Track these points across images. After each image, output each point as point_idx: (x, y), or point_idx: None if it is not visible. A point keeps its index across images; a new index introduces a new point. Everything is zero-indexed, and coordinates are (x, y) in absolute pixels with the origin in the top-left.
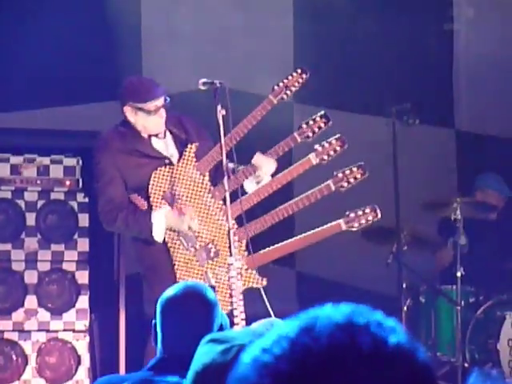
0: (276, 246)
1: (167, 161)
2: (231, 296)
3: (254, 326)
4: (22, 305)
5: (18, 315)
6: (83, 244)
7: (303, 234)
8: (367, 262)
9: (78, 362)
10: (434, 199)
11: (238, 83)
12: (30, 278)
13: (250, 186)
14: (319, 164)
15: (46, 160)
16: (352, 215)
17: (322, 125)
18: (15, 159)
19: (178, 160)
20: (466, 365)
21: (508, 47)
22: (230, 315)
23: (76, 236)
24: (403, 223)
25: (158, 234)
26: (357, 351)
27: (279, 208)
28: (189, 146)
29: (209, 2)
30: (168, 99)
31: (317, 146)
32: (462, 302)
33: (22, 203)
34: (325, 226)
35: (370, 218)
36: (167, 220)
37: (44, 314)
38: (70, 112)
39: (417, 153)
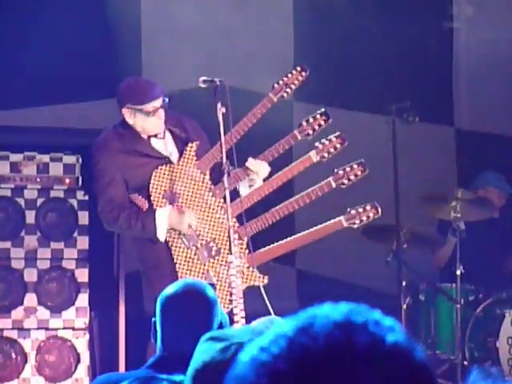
0: (277, 243)
1: (167, 160)
2: (232, 294)
3: (254, 324)
4: (22, 303)
5: (17, 313)
6: (83, 242)
7: (304, 232)
8: (367, 260)
9: (78, 360)
10: (433, 192)
11: (238, 81)
12: (30, 276)
13: (243, 189)
14: (320, 161)
15: (45, 158)
16: (353, 212)
17: (322, 122)
18: (15, 157)
19: (179, 159)
20: (466, 363)
21: (508, 46)
22: (231, 313)
23: (76, 234)
24: (403, 221)
25: (161, 233)
26: (354, 350)
27: (280, 206)
28: (189, 144)
29: (209, 1)
30: (166, 99)
31: (317, 144)
32: (462, 300)
33: (21, 201)
34: (326, 223)
35: (371, 214)
36: (169, 219)
37: (43, 312)
38: (69, 110)
39: (417, 151)
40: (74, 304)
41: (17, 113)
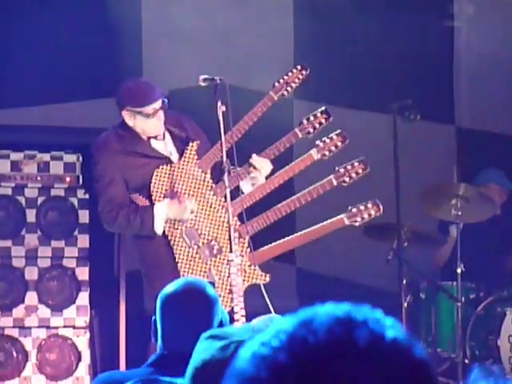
0: (278, 242)
1: (167, 160)
2: (232, 292)
3: (254, 322)
4: (23, 301)
5: (18, 312)
6: (83, 240)
7: (306, 230)
8: (367, 258)
9: (79, 359)
10: (434, 189)
11: (239, 80)
12: (31, 274)
13: (245, 187)
14: (320, 160)
15: (46, 156)
16: (354, 210)
17: (323, 120)
18: (15, 156)
19: (180, 158)
20: (467, 361)
21: (509, 44)
22: (231, 312)
23: (76, 232)
24: (403, 219)
25: (159, 226)
26: (355, 346)
27: (281, 204)
28: (190, 143)
29: (209, 2)
30: (166, 101)
31: (318, 142)
32: (463, 299)
33: (22, 200)
34: (328, 221)
35: (373, 212)
36: (170, 211)
37: (44, 311)
38: (70, 109)
39: (418, 149)
40: (74, 302)
41: (17, 112)
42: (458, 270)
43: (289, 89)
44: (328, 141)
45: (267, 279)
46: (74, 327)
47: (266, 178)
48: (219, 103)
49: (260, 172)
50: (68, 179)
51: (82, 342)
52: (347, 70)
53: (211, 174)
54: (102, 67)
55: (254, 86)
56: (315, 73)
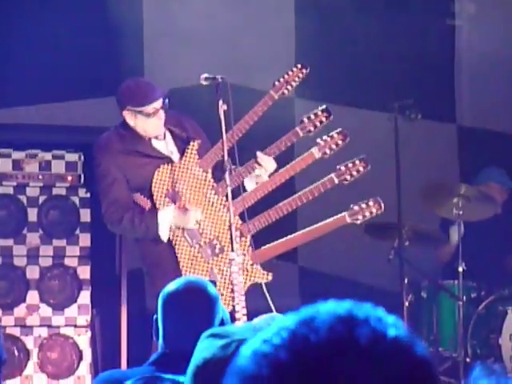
0: (280, 240)
1: (168, 160)
2: (233, 291)
3: (256, 321)
4: (24, 300)
5: (19, 310)
6: (85, 239)
7: (308, 228)
8: (369, 257)
9: (80, 358)
10: (436, 188)
11: (240, 79)
12: (32, 273)
13: (249, 185)
14: (321, 158)
15: (47, 155)
16: (356, 208)
17: (324, 119)
18: (17, 154)
19: (181, 157)
20: (468, 360)
21: (510, 43)
22: (233, 310)
23: (78, 231)
24: (405, 219)
25: (164, 234)
26: (356, 343)
27: (282, 203)
28: (191, 143)
29: (210, 2)
30: (166, 100)
31: (319, 140)
32: (464, 297)
33: (23, 198)
34: (329, 220)
35: (374, 210)
36: (174, 219)
37: (46, 310)
38: (72, 107)
39: (419, 148)
40: (76, 301)
41: (19, 111)
42: (460, 269)
43: (289, 87)
44: (329, 139)
45: (269, 278)
46: (75, 326)
47: (269, 176)
48: (220, 102)
49: (265, 169)
50: (69, 178)
51: (84, 340)
52: (349, 69)
53: (212, 173)
54: (103, 66)
55: (256, 85)
56: (317, 72)
